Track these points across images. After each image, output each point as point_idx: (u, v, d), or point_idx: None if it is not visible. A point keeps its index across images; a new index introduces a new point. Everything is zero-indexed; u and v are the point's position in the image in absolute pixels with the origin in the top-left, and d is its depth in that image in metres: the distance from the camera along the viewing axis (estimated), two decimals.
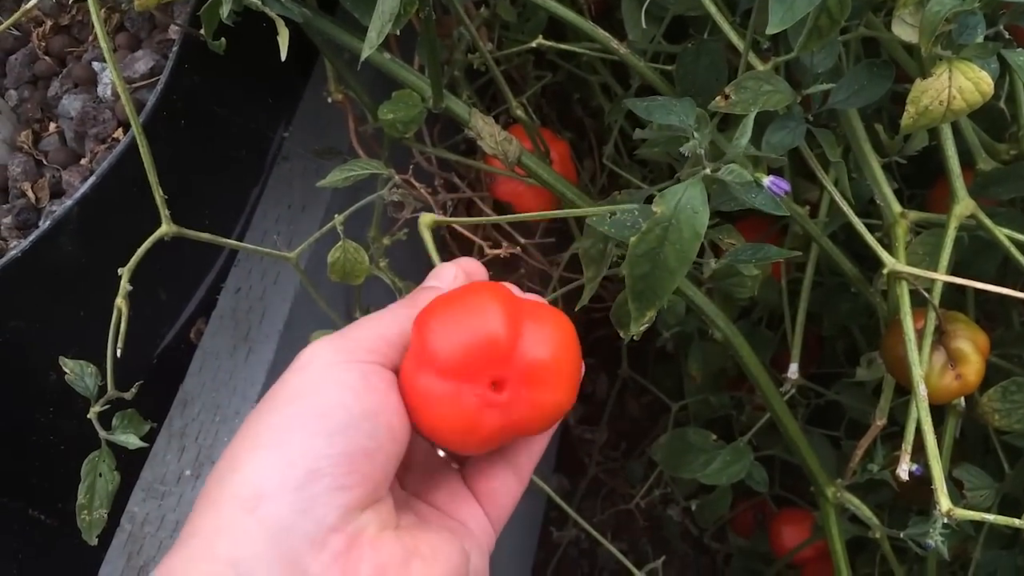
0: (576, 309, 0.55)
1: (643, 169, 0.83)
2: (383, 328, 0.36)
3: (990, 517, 0.48)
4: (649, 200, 0.43)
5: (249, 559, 0.30)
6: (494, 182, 0.75)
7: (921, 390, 0.49)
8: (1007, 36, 0.49)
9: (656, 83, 0.60)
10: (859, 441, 0.58)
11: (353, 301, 0.67)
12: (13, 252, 0.51)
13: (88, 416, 0.48)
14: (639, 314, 0.44)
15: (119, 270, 0.48)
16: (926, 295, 0.51)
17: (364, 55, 0.45)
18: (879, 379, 0.62)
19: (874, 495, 0.68)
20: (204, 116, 0.63)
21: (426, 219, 0.45)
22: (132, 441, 0.48)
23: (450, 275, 0.40)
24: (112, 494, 0.49)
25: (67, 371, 0.48)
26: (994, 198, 0.57)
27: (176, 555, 0.31)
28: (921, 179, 0.70)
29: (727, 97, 0.49)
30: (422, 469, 0.39)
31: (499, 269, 0.65)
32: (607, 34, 0.59)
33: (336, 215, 0.53)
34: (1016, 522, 0.47)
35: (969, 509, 0.49)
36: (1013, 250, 0.52)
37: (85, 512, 0.48)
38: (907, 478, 0.50)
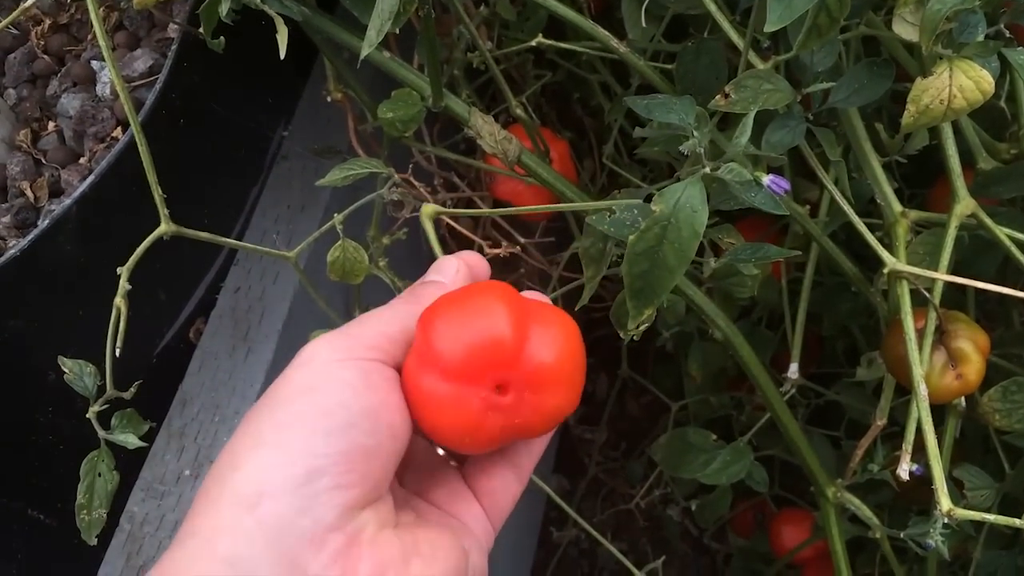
0: (576, 309, 0.55)
1: (643, 168, 0.83)
2: (384, 325, 0.35)
3: (990, 517, 0.48)
4: (649, 199, 0.43)
5: (248, 558, 0.30)
6: (494, 181, 0.75)
7: (921, 390, 0.49)
8: (1008, 35, 0.48)
9: (656, 82, 0.60)
10: (859, 441, 0.58)
11: (352, 300, 0.67)
12: (12, 251, 0.51)
13: (87, 416, 0.48)
14: (637, 312, 0.44)
15: (118, 269, 0.48)
16: (926, 295, 0.51)
17: (363, 54, 0.45)
18: (879, 379, 0.62)
19: (874, 495, 0.68)
20: (203, 115, 0.63)
21: (428, 209, 0.45)
22: (131, 441, 0.48)
23: (452, 268, 0.39)
24: (111, 494, 0.48)
25: (66, 370, 0.48)
26: (995, 197, 0.57)
27: (175, 554, 0.31)
28: (921, 178, 0.70)
29: (727, 96, 0.49)
30: (422, 467, 0.39)
31: (499, 268, 0.65)
32: (607, 33, 0.59)
33: (335, 214, 0.53)
34: (1016, 522, 0.47)
35: (969, 509, 0.49)
36: (1014, 249, 0.52)
37: (84, 512, 0.48)
38: (907, 478, 0.50)
